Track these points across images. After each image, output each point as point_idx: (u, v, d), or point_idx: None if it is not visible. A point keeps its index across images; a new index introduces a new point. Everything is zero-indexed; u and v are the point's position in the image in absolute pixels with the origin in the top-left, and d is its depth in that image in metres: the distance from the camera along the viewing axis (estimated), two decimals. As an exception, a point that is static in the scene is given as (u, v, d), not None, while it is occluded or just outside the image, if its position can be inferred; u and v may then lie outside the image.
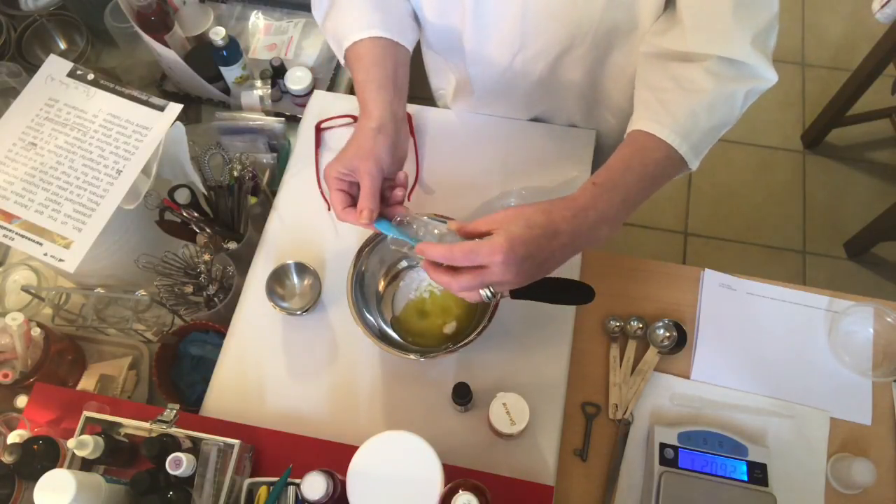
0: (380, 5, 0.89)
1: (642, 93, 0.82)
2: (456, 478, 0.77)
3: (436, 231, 0.77)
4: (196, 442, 0.88)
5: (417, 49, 1.17)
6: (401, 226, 0.79)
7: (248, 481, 0.86)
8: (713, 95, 0.76)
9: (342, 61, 0.92)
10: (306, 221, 1.08)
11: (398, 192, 0.83)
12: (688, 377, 1.06)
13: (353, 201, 0.81)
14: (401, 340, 0.97)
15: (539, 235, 0.70)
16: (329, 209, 1.08)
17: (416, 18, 0.96)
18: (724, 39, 0.76)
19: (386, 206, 0.82)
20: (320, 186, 1.10)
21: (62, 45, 1.46)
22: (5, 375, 0.98)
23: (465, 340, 0.88)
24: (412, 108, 1.15)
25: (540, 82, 0.99)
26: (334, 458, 0.81)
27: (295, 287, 1.03)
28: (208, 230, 1.08)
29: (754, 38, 0.75)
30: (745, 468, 0.95)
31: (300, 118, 1.20)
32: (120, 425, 0.91)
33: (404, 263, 1.02)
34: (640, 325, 1.08)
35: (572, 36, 0.88)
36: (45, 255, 0.93)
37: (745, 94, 0.77)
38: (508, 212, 0.72)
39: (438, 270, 0.74)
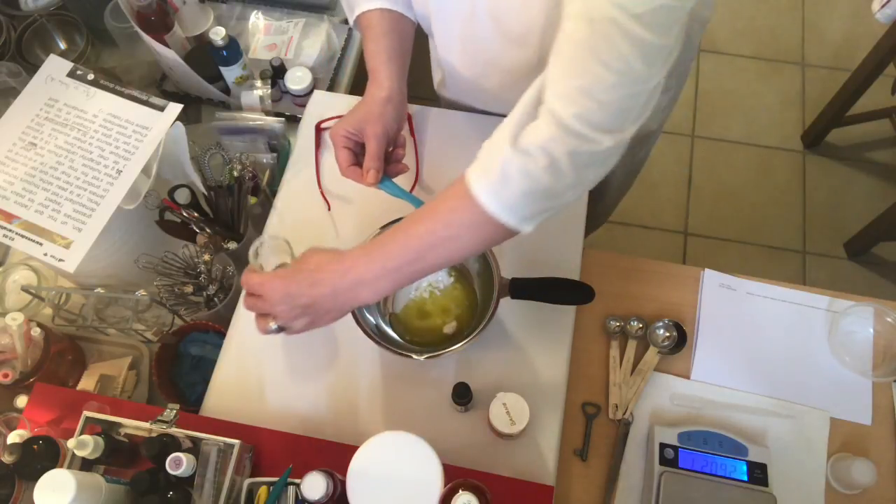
0: None
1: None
2: (456, 478, 0.77)
3: None
4: (196, 442, 0.87)
5: (417, 48, 1.17)
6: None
7: (248, 481, 0.85)
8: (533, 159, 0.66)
9: (352, 25, 0.97)
10: (306, 221, 1.08)
11: (399, 151, 0.93)
12: (688, 377, 1.06)
13: (356, 160, 0.90)
14: (401, 340, 0.97)
15: (301, 280, 0.76)
16: (329, 209, 1.08)
17: None
18: (551, 80, 0.65)
19: (387, 165, 0.91)
20: (320, 186, 1.10)
21: (62, 45, 1.46)
22: (5, 375, 0.98)
23: (465, 340, 0.88)
24: (412, 108, 1.15)
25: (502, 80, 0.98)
26: (334, 458, 0.81)
27: (295, 287, 1.03)
28: (208, 230, 1.08)
29: (580, 89, 0.62)
30: (745, 468, 0.95)
31: (300, 118, 1.20)
32: (120, 425, 0.91)
33: (404, 263, 1.02)
34: (640, 325, 1.08)
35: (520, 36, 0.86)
36: (45, 255, 0.93)
37: (567, 155, 0.64)
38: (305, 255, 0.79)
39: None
